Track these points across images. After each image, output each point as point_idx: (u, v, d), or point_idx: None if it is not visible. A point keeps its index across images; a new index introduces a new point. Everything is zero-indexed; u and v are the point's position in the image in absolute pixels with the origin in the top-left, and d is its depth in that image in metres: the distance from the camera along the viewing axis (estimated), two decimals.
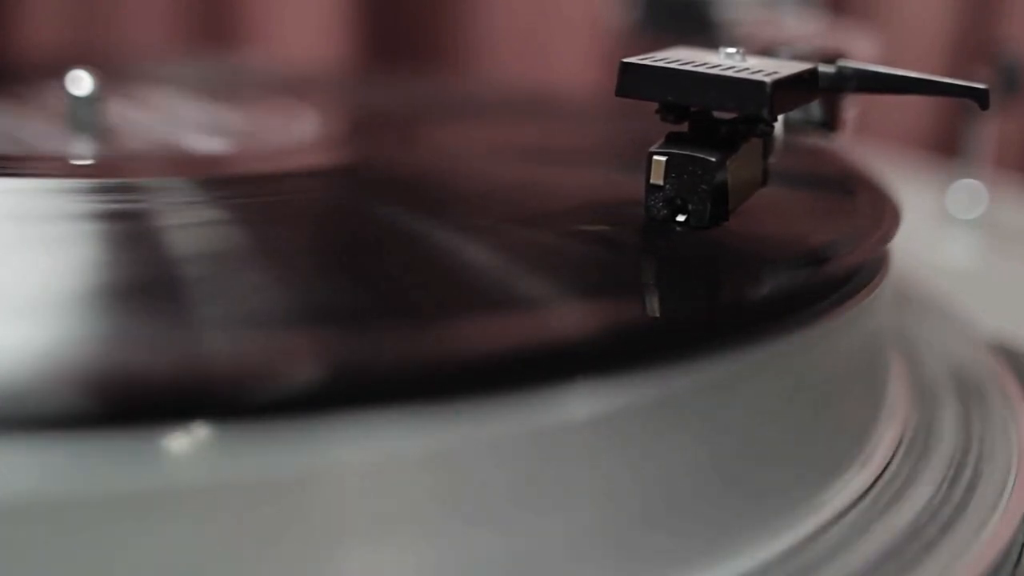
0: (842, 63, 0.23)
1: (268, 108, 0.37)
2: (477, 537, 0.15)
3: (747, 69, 0.21)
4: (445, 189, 0.27)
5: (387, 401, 0.15)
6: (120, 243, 0.21)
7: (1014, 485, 0.21)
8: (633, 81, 0.21)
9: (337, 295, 0.18)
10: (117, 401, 0.14)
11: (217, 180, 0.26)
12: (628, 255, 0.21)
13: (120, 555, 0.14)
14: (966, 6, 0.67)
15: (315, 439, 0.14)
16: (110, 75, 0.34)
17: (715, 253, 0.21)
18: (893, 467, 0.21)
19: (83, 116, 0.32)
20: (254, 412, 0.14)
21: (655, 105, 0.22)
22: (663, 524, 0.17)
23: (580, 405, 0.16)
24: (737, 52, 0.22)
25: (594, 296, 0.19)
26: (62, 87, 0.32)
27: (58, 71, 0.32)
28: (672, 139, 0.22)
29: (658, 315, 0.18)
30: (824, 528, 0.19)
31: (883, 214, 0.24)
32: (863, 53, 0.31)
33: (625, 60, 0.21)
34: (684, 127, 0.22)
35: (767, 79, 0.20)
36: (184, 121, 0.35)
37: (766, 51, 0.25)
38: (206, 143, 0.32)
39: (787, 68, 0.21)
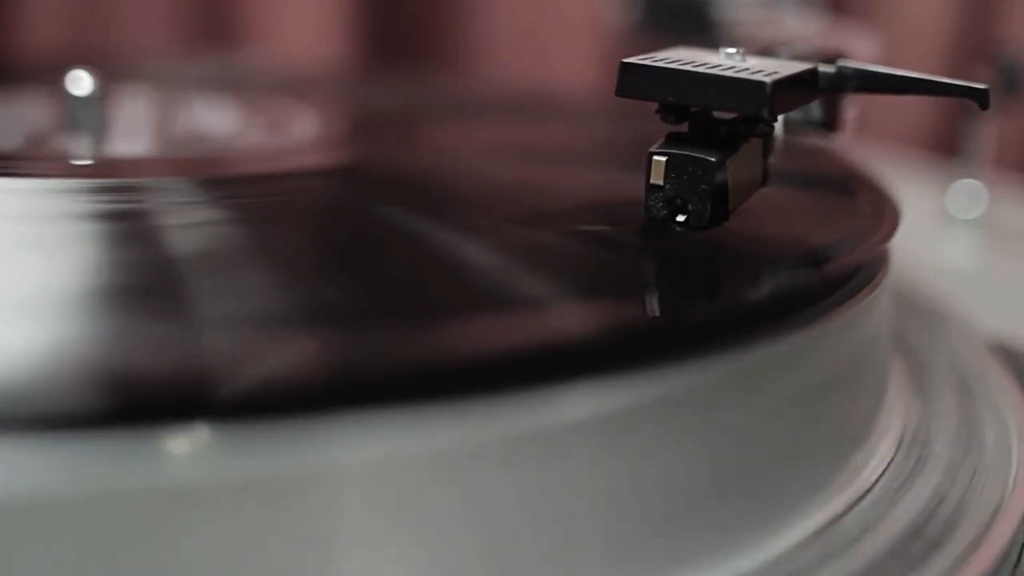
0: (842, 63, 0.23)
1: (268, 108, 0.37)
2: (477, 537, 0.15)
3: (747, 69, 0.21)
4: (445, 189, 0.27)
5: (387, 401, 0.15)
6: (120, 243, 0.21)
7: (1014, 485, 0.21)
8: (633, 81, 0.21)
9: (337, 295, 0.18)
10: (117, 401, 0.14)
11: (217, 180, 0.26)
12: (628, 255, 0.21)
13: (120, 555, 0.14)
14: (966, 6, 0.67)
15: (315, 439, 0.14)
16: (110, 75, 0.34)
17: (715, 253, 0.21)
18: (893, 467, 0.21)
19: (83, 116, 0.32)
20: (254, 412, 0.14)
21: (655, 105, 0.22)
22: (663, 524, 0.17)
23: (580, 405, 0.16)
24: (737, 52, 0.22)
25: (594, 296, 0.19)
26: (62, 87, 0.32)
27: (58, 71, 0.32)
28: (672, 139, 0.22)
29: (658, 315, 0.18)
30: (824, 528, 0.19)
31: (883, 214, 0.24)
32: (863, 53, 0.31)
33: (625, 60, 0.21)
34: (684, 127, 0.22)
35: (767, 79, 0.20)
36: (184, 121, 0.35)
37: (766, 51, 0.25)
38: (206, 143, 0.32)
39: (787, 68, 0.21)
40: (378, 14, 0.67)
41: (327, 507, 0.14)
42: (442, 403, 0.15)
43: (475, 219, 0.23)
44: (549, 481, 0.16)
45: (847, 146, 0.30)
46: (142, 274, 0.19)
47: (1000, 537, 0.19)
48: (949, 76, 0.22)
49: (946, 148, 0.59)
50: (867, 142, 0.47)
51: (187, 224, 0.22)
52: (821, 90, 0.23)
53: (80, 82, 0.32)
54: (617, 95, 0.21)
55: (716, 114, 0.22)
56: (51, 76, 0.33)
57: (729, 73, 0.20)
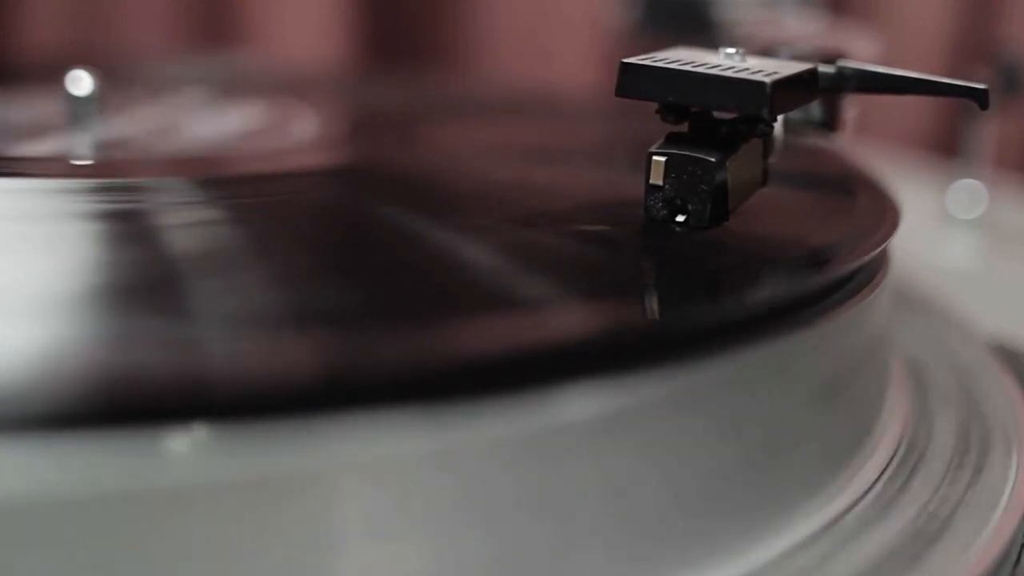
0: (842, 63, 0.23)
1: (268, 108, 0.37)
2: (477, 537, 0.15)
3: (747, 69, 0.21)
4: (445, 189, 0.27)
5: (386, 402, 0.15)
6: (120, 243, 0.21)
7: (1014, 485, 0.21)
8: (633, 81, 0.21)
9: (337, 295, 0.18)
10: (116, 401, 0.14)
11: (217, 180, 0.26)
12: (628, 255, 0.21)
13: (120, 555, 0.14)
14: (966, 6, 0.67)
15: (315, 439, 0.14)
16: (110, 75, 0.34)
17: (715, 253, 0.21)
18: (893, 467, 0.21)
19: (83, 116, 0.32)
20: (253, 412, 0.14)
21: (655, 105, 0.22)
22: (663, 525, 0.17)
23: (579, 406, 0.16)
24: (737, 52, 0.22)
25: (594, 296, 0.19)
26: (62, 87, 0.32)
27: (58, 71, 0.32)
28: (672, 139, 0.22)
29: (658, 316, 0.18)
30: (824, 528, 0.19)
31: (883, 214, 0.24)
32: (863, 53, 0.31)
33: (625, 60, 0.21)
34: (684, 127, 0.22)
35: (767, 79, 0.20)
36: (184, 121, 0.35)
37: (766, 51, 0.25)
38: (206, 143, 0.32)
39: (787, 68, 0.21)
40: (378, 14, 0.67)
41: (327, 507, 0.14)
42: (441, 403, 0.15)
43: (475, 219, 0.23)
44: (548, 482, 0.16)
45: (847, 146, 0.30)
46: (142, 274, 0.19)
47: (1000, 537, 0.19)
48: (949, 76, 0.22)
49: (946, 148, 0.59)
50: (867, 142, 0.47)
51: (187, 224, 0.22)
52: (821, 90, 0.23)
53: (80, 82, 0.32)
54: (617, 95, 0.21)
55: (716, 114, 0.22)
56: (51, 76, 0.33)
57: (729, 73, 0.20)
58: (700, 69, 0.21)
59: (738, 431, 0.18)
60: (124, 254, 0.20)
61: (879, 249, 0.22)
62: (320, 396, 0.14)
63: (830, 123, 0.26)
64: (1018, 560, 0.19)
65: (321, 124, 0.35)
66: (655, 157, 0.21)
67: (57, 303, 0.17)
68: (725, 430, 0.18)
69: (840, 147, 0.30)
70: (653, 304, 0.19)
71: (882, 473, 0.21)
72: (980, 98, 0.22)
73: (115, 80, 0.35)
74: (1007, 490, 0.21)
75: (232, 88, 0.41)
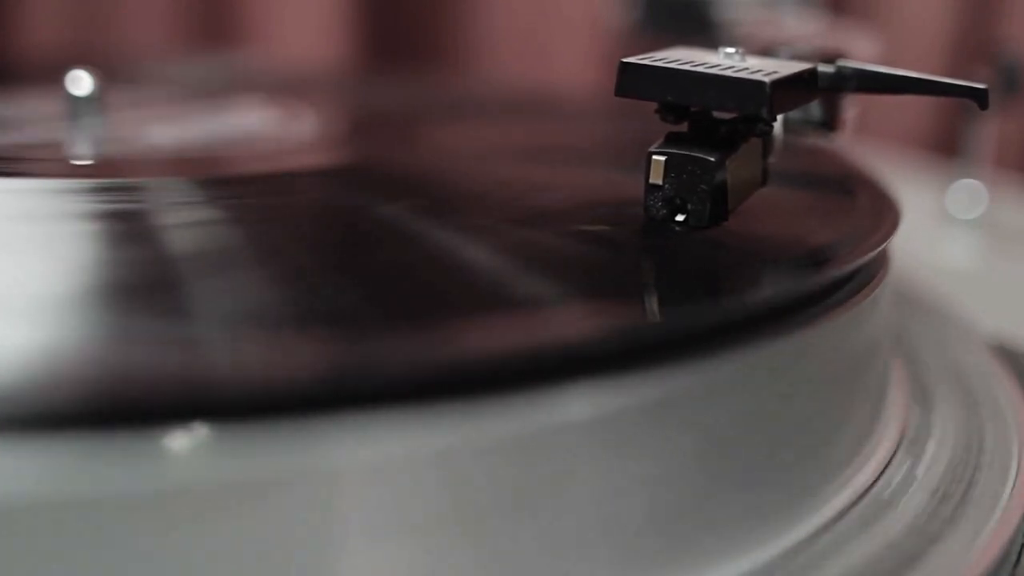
0: (842, 63, 0.23)
1: (268, 108, 0.37)
2: (477, 538, 0.15)
3: (747, 69, 0.21)
4: (445, 189, 0.27)
5: (386, 402, 0.15)
6: (120, 243, 0.21)
7: (1014, 485, 0.21)
8: (633, 81, 0.21)
9: (336, 295, 0.18)
10: (116, 401, 0.14)
11: (217, 180, 0.26)
12: (628, 255, 0.21)
13: (120, 555, 0.14)
14: (966, 6, 0.67)
15: (315, 440, 0.14)
16: (110, 75, 0.34)
17: (714, 253, 0.21)
18: (893, 467, 0.21)
19: (83, 116, 0.32)
20: (253, 413, 0.14)
21: (655, 105, 0.22)
22: (663, 525, 0.17)
23: (579, 406, 0.16)
24: (737, 52, 0.22)
25: (593, 296, 0.19)
26: (62, 87, 0.32)
27: (58, 71, 0.32)
28: (672, 139, 0.22)
29: (657, 316, 0.18)
30: (824, 528, 0.19)
31: (883, 214, 0.24)
32: (863, 53, 0.31)
33: (625, 60, 0.21)
34: (684, 127, 0.22)
35: (766, 79, 0.20)
36: (184, 121, 0.35)
37: (766, 51, 0.25)
38: (205, 143, 0.32)
39: (787, 68, 0.21)
40: (378, 14, 0.67)
41: (326, 507, 0.14)
42: (442, 404, 0.15)
43: (475, 219, 0.23)
44: (548, 482, 0.16)
45: (847, 146, 0.30)
46: (142, 274, 0.19)
47: (1000, 537, 0.19)
48: (949, 76, 0.22)
49: (946, 148, 0.59)
50: (867, 142, 0.47)
51: (187, 224, 0.22)
52: (821, 90, 0.23)
53: (80, 82, 0.32)
54: (617, 95, 0.21)
55: (716, 114, 0.22)
56: (51, 76, 0.33)
57: (729, 73, 0.20)
58: (700, 69, 0.21)
59: (738, 431, 0.18)
60: (124, 254, 0.20)
61: (879, 249, 0.22)
62: (320, 396, 0.14)
63: (830, 123, 0.26)
64: (1018, 560, 0.19)
65: (321, 124, 0.35)
66: (655, 157, 0.21)
67: (57, 303, 0.17)
68: (725, 431, 0.18)
69: (840, 147, 0.30)
70: (652, 304, 0.19)
71: (882, 473, 0.21)
72: (980, 98, 0.22)
73: (115, 80, 0.35)
74: (1007, 490, 0.21)
75: (232, 88, 0.41)
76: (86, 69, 0.32)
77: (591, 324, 0.17)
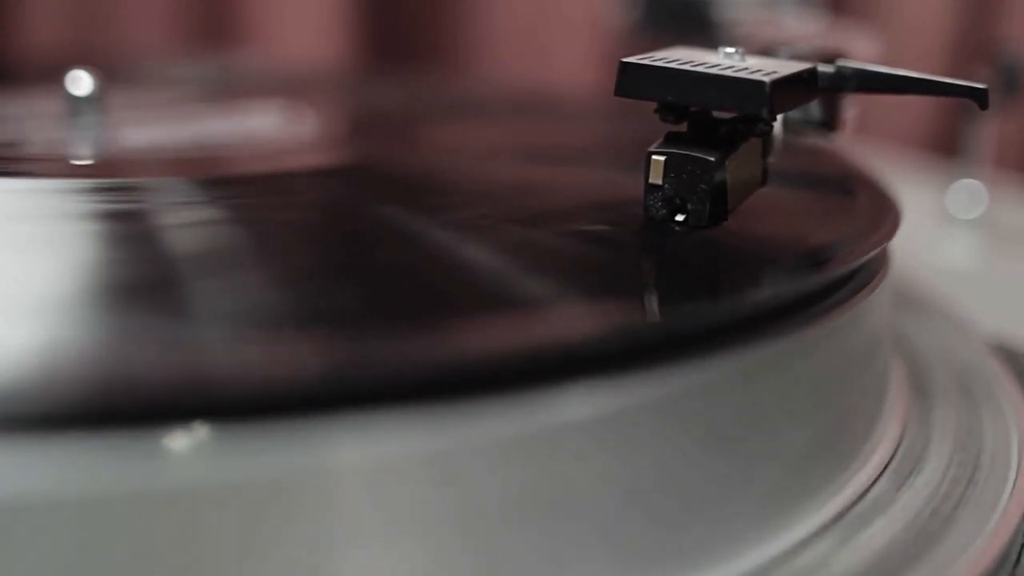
0: (842, 63, 0.23)
1: (268, 108, 0.37)
2: (476, 538, 0.15)
3: (747, 69, 0.21)
4: (445, 189, 0.27)
5: (387, 402, 0.15)
6: (120, 243, 0.21)
7: (1014, 485, 0.21)
8: (633, 81, 0.21)
9: (336, 295, 0.18)
10: (116, 401, 0.14)
11: (217, 180, 0.26)
12: (628, 255, 0.21)
13: (119, 555, 0.14)
14: (966, 6, 0.67)
15: (315, 440, 0.14)
16: (110, 75, 0.34)
17: (714, 253, 0.21)
18: (893, 467, 0.21)
19: (83, 116, 0.32)
20: (253, 413, 0.14)
21: (655, 105, 0.22)
22: (663, 525, 0.17)
23: (579, 406, 0.16)
24: (737, 52, 0.22)
25: (593, 296, 0.19)
26: (62, 87, 0.32)
27: (58, 71, 0.32)
28: (671, 139, 0.22)
29: (657, 315, 0.18)
30: (824, 528, 0.19)
31: (883, 214, 0.24)
32: (863, 53, 0.31)
33: (624, 60, 0.21)
34: (683, 127, 0.22)
35: (766, 79, 0.20)
36: (184, 121, 0.35)
37: (766, 51, 0.25)
38: (206, 143, 0.32)
39: (787, 68, 0.21)
40: (378, 14, 0.67)
41: (327, 507, 0.14)
42: (442, 404, 0.15)
43: (475, 219, 0.23)
44: (548, 482, 0.16)
45: (847, 146, 0.30)
46: (142, 274, 0.19)
47: (1000, 537, 0.19)
48: (949, 76, 0.22)
49: (946, 148, 0.59)
50: (867, 142, 0.47)
51: (187, 224, 0.22)
52: (821, 90, 0.23)
53: (80, 82, 0.32)
54: (616, 95, 0.21)
55: (715, 114, 0.22)
56: (51, 76, 0.33)
57: (728, 73, 0.20)
58: (699, 68, 0.21)
59: (738, 431, 0.18)
60: (124, 254, 0.20)
61: (879, 249, 0.22)
62: (320, 396, 0.14)
63: (830, 123, 0.26)
64: (1018, 560, 0.19)
65: (321, 124, 0.35)
66: (654, 156, 0.21)
67: (57, 303, 0.17)
68: (724, 430, 0.18)
69: (840, 147, 0.30)
70: (652, 304, 0.19)
71: (882, 472, 0.21)
72: (980, 98, 0.22)
73: (115, 80, 0.35)
74: (1007, 490, 0.21)
75: (232, 88, 0.41)
76: (86, 69, 0.32)
77: (591, 324, 0.17)
